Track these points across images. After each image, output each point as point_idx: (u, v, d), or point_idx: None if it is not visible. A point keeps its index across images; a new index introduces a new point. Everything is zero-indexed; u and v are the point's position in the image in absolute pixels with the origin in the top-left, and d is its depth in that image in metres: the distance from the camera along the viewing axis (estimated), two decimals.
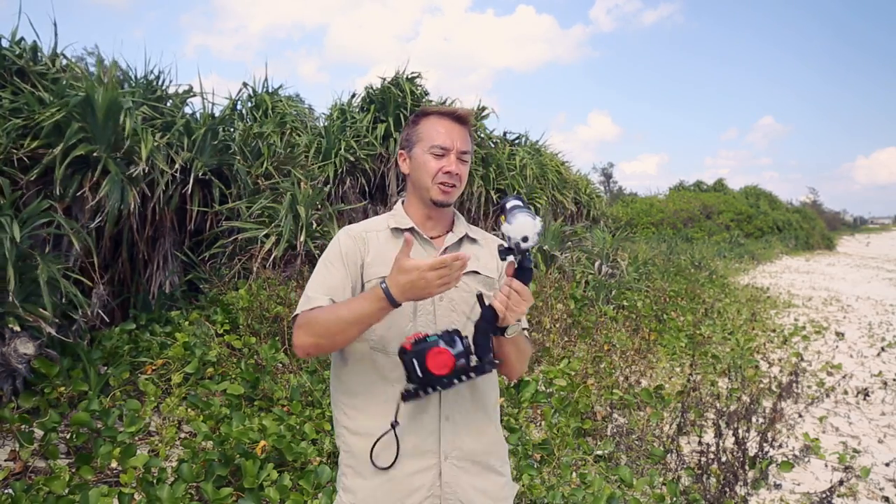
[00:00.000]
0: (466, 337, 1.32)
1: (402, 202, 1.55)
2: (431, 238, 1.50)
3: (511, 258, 1.31)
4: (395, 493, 1.39)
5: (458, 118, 1.48)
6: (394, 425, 1.36)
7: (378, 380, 1.42)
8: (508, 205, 1.32)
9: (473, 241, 1.55)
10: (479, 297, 1.36)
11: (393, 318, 1.38)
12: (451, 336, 1.29)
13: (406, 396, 1.32)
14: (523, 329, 1.51)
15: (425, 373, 1.27)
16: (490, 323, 1.32)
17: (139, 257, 4.57)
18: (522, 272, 1.31)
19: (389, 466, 1.38)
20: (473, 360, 1.32)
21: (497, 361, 1.35)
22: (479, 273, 1.50)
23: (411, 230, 1.47)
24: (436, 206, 1.46)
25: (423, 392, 1.30)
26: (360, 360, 1.43)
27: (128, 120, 4.11)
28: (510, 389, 4.05)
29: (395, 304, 1.25)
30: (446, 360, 1.27)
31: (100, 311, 3.96)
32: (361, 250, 1.46)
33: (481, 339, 1.32)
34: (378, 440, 1.38)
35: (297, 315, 1.39)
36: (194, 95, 5.43)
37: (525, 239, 1.26)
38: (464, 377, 1.31)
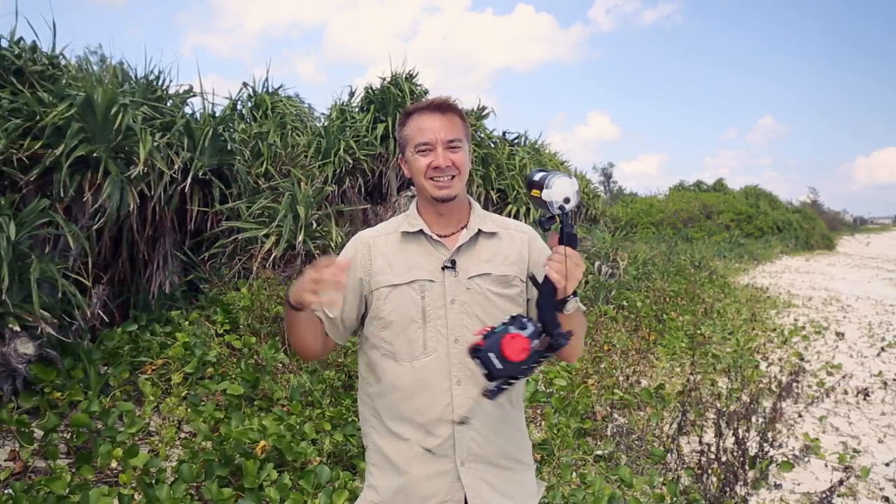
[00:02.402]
0: (531, 318, 1.27)
1: (416, 201, 1.53)
2: (443, 237, 1.46)
3: (553, 229, 1.29)
4: (413, 498, 1.41)
5: (438, 107, 1.44)
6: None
7: (389, 388, 1.44)
8: (536, 177, 1.30)
9: (491, 234, 1.49)
10: (533, 279, 1.34)
11: (402, 326, 1.40)
12: (516, 320, 1.25)
13: (490, 394, 1.24)
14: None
15: (505, 363, 1.21)
16: (550, 297, 1.27)
17: (139, 257, 4.57)
18: (568, 238, 1.27)
19: (412, 469, 1.41)
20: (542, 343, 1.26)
21: (569, 332, 1.26)
22: (490, 274, 1.45)
23: (420, 232, 1.46)
24: (439, 202, 1.44)
25: (506, 385, 1.24)
26: (376, 365, 1.46)
27: (126, 119, 4.11)
28: None
29: (289, 302, 1.33)
30: (523, 344, 1.22)
31: (100, 312, 3.96)
32: (366, 260, 1.47)
33: (547, 314, 1.27)
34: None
35: None
36: (194, 95, 5.43)
37: (567, 200, 1.25)
38: (541, 359, 1.26)
